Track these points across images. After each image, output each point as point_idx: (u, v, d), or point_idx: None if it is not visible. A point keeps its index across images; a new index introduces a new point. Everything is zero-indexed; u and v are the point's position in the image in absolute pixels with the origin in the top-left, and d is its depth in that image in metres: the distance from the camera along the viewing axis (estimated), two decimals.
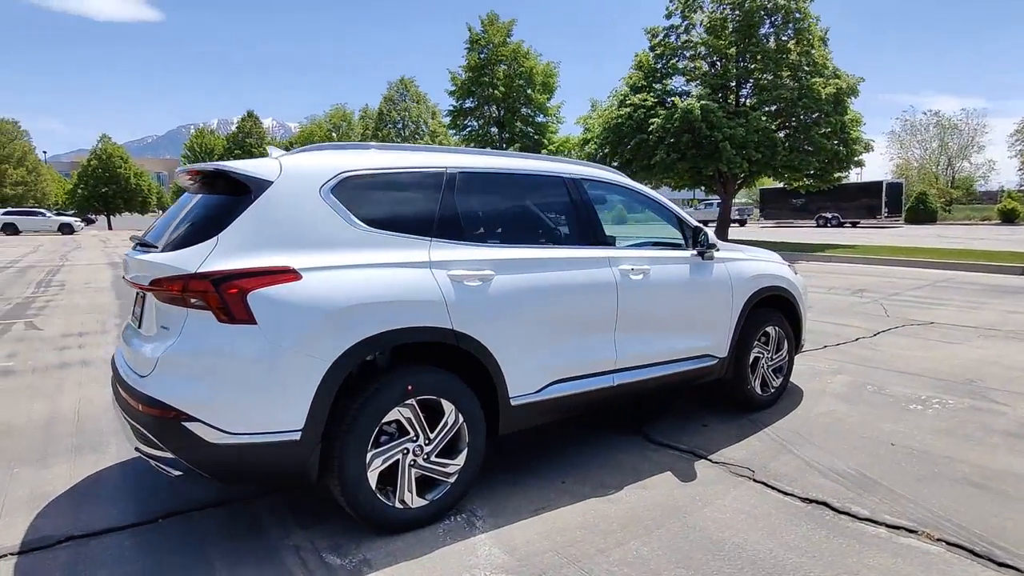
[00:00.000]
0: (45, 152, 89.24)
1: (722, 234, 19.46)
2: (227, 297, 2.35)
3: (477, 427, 2.93)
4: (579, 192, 3.52)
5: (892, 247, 16.39)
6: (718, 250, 4.09)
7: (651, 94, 17.12)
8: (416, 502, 2.76)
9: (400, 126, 35.90)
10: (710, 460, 3.57)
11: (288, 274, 2.45)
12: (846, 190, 35.64)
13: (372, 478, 2.62)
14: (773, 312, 4.46)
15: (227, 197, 2.62)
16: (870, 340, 6.45)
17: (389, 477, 2.71)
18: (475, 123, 28.59)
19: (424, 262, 2.78)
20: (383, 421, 2.64)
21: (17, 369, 5.61)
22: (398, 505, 2.71)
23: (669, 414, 4.37)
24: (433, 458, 2.81)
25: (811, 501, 3.07)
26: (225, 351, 2.36)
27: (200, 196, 2.81)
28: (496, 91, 26.55)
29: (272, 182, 2.59)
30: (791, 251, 16.43)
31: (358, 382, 2.65)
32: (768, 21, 17.11)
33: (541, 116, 27.92)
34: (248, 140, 56.01)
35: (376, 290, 2.61)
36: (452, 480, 2.87)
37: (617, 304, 3.43)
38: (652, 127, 16.03)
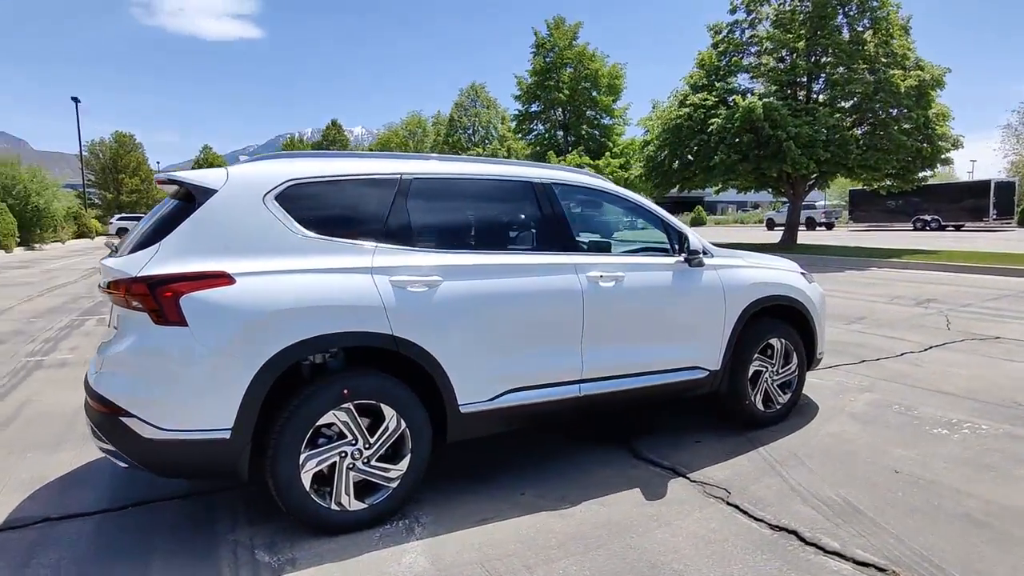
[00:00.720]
0: (159, 162, 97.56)
1: (790, 238, 18.40)
2: (161, 300, 2.48)
3: (421, 433, 2.92)
4: (547, 197, 3.44)
5: (981, 253, 14.89)
6: (712, 256, 3.89)
7: (712, 93, 16.43)
8: (354, 505, 2.79)
9: (470, 131, 36.53)
10: (688, 478, 3.39)
11: (222, 278, 2.55)
12: (948, 190, 32.79)
13: (306, 479, 2.67)
14: (778, 323, 4.18)
15: (179, 204, 2.76)
16: (917, 355, 5.90)
17: (328, 479, 2.76)
18: (541, 127, 28.61)
19: (366, 268, 2.81)
20: (318, 424, 2.69)
21: (72, 361, 6.16)
22: (334, 507, 2.75)
23: (664, 428, 4.18)
24: (373, 463, 2.83)
25: (780, 529, 2.85)
26: (159, 351, 2.49)
27: (164, 204, 2.98)
28: (561, 94, 26.44)
29: (216, 190, 2.70)
30: (863, 257, 15.32)
31: (300, 384, 2.73)
32: (841, 12, 16.00)
33: (607, 118, 27.54)
34: (332, 148, 58.86)
35: (311, 295, 2.67)
36: (394, 485, 2.88)
37: (583, 312, 3.32)
38: (712, 127, 15.39)
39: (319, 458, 2.70)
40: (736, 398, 3.98)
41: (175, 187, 2.88)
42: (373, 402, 2.80)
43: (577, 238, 3.56)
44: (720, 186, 17.11)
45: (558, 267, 3.30)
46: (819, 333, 4.37)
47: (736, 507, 3.06)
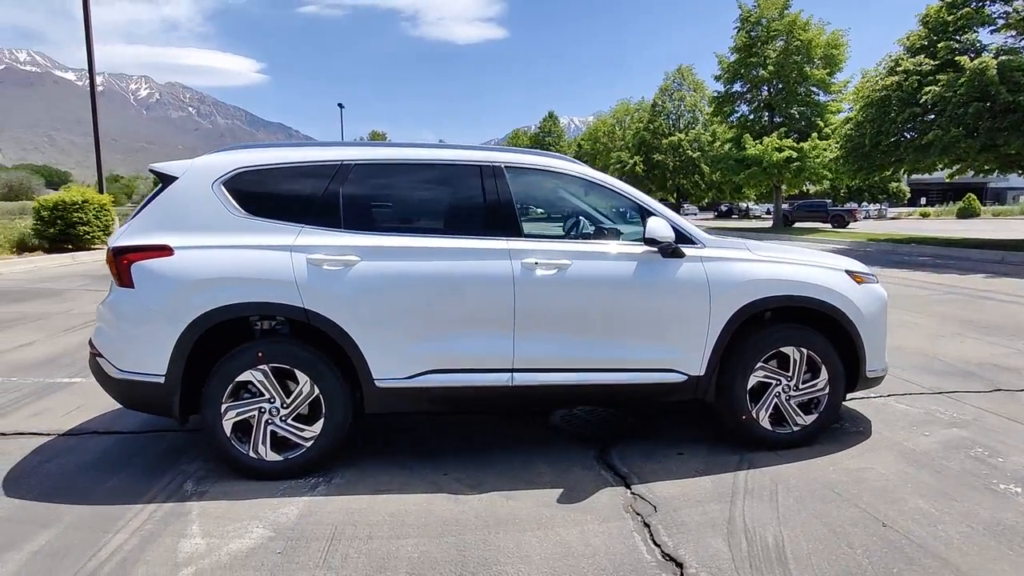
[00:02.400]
0: None
1: None
2: (120, 266, 3.08)
3: (336, 400, 3.15)
4: (494, 180, 3.36)
5: None
6: (699, 246, 3.41)
7: (933, 56, 13.26)
8: (270, 456, 3.13)
9: (674, 116, 34.90)
10: (630, 489, 3.09)
11: (163, 251, 3.07)
12: None
13: (227, 426, 3.09)
14: (798, 329, 3.50)
15: (157, 190, 3.36)
16: None
17: (250, 429, 3.14)
18: (745, 107, 26.14)
19: (287, 246, 3.11)
20: (237, 379, 3.07)
21: None
22: (252, 454, 3.12)
23: (657, 434, 3.81)
24: (289, 421, 3.14)
25: (669, 559, 2.49)
26: (118, 307, 3.09)
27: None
28: (764, 71, 23.75)
29: (178, 178, 3.24)
30: None
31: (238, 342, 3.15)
32: None
33: (823, 95, 24.03)
34: (548, 139, 61.26)
35: (231, 268, 3.05)
36: (308, 444, 3.15)
37: (514, 299, 3.21)
38: (927, 97, 12.48)
39: (238, 410, 3.09)
40: (730, 412, 3.45)
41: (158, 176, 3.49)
42: (287, 367, 3.11)
43: (528, 221, 3.43)
44: (943, 167, 13.85)
45: (488, 252, 3.23)
46: (868, 345, 3.54)
47: (647, 527, 2.73)
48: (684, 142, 32.40)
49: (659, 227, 3.23)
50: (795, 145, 22.58)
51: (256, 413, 3.12)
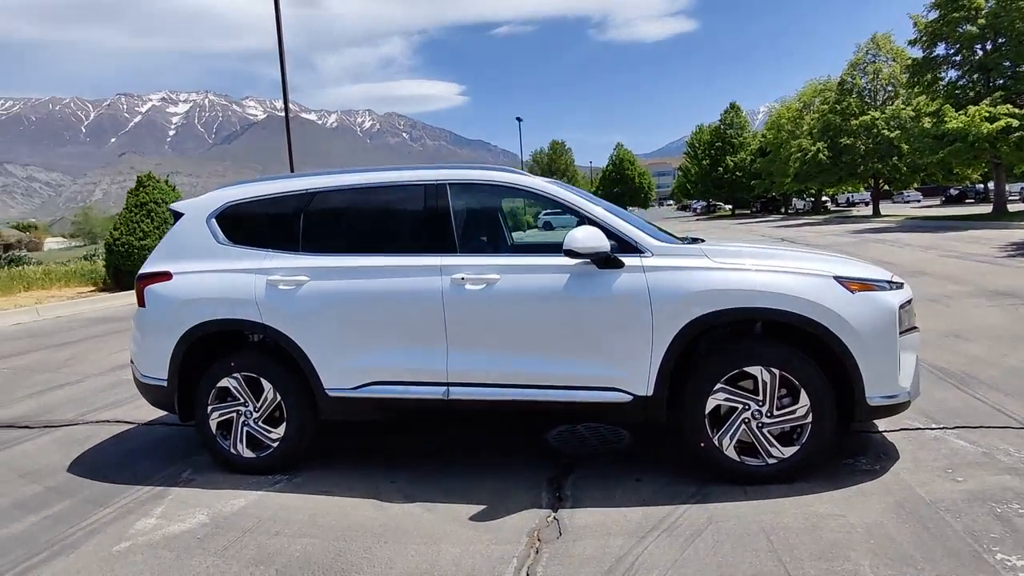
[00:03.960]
0: (591, 161, 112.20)
1: None
2: (138, 289, 3.76)
3: (296, 406, 3.49)
4: (435, 198, 3.44)
5: None
6: (645, 255, 3.14)
7: None
8: (246, 453, 3.57)
9: (867, 91, 30.19)
10: (554, 513, 2.96)
11: (165, 276, 3.67)
12: None
13: (213, 424, 3.59)
14: (766, 346, 3.04)
15: (173, 224, 4.00)
16: None
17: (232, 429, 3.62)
18: (953, 73, 21.69)
19: (253, 269, 3.53)
20: (218, 385, 3.57)
21: None
22: (232, 450, 3.60)
23: (634, 455, 3.56)
24: (260, 423, 3.56)
25: None
26: (137, 323, 3.77)
27: None
28: (974, 26, 19.42)
29: (184, 214, 3.85)
30: None
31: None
32: None
33: None
34: (729, 131, 57.43)
35: (209, 289, 3.55)
36: (275, 445, 3.54)
37: (444, 315, 3.26)
38: None
39: (221, 411, 3.59)
40: (689, 435, 3.11)
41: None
42: (254, 375, 3.53)
43: (470, 237, 3.44)
44: None
45: (420, 269, 3.32)
46: (867, 367, 2.93)
47: (537, 553, 2.62)
48: (879, 121, 27.95)
49: (582, 236, 3.03)
50: (1016, 112, 18.07)
51: (234, 415, 3.59)
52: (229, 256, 3.63)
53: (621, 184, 71.38)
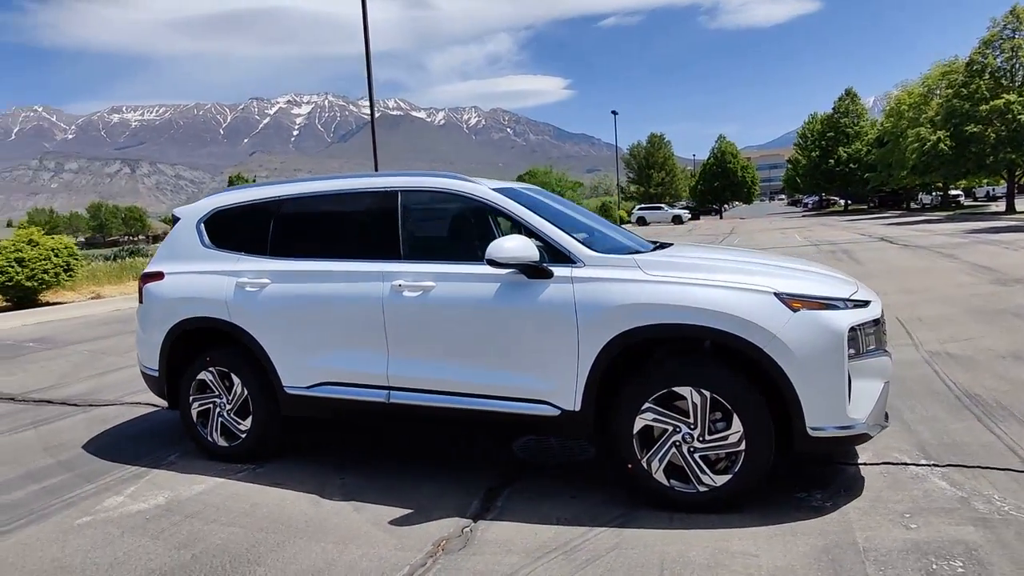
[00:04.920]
0: (695, 155, 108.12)
1: None
2: (139, 287, 4.14)
3: (259, 401, 3.70)
4: (385, 205, 3.50)
5: None
6: (579, 265, 3.03)
7: None
8: (220, 442, 3.84)
9: (1000, 73, 26.51)
10: (474, 523, 2.95)
11: (159, 276, 4.01)
12: None
13: (194, 414, 3.89)
14: (695, 365, 2.85)
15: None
16: None
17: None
18: None
19: (227, 271, 3.78)
20: (197, 378, 3.86)
21: None
22: (210, 439, 3.87)
23: (578, 471, 3.47)
24: (232, 415, 3.81)
25: None
26: (138, 318, 4.15)
27: None
28: None
29: (180, 218, 4.18)
30: None
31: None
32: None
33: None
34: (843, 120, 53.12)
35: (189, 289, 3.84)
36: (243, 436, 3.78)
37: (384, 320, 3.33)
38: None
39: (200, 401, 3.88)
40: (617, 457, 2.98)
41: None
42: (225, 370, 3.78)
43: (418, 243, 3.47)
44: None
45: (365, 274, 3.40)
46: (807, 393, 2.66)
47: (433, 561, 2.64)
48: (1016, 104, 24.56)
49: (504, 246, 2.96)
50: None
51: (211, 406, 3.87)
52: (210, 258, 3.90)
53: (722, 178, 68.10)
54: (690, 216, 54.72)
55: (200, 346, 3.92)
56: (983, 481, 2.94)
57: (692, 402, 2.81)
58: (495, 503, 3.16)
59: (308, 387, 3.56)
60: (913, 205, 48.72)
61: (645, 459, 2.91)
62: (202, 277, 3.85)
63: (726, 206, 73.60)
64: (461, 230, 3.66)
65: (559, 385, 3.02)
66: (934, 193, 45.80)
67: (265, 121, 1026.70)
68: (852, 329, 2.75)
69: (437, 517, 3.03)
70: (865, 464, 3.24)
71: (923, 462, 3.20)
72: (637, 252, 3.37)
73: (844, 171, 51.26)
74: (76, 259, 11.20)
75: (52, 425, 4.80)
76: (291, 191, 3.84)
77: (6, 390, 5.89)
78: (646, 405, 2.88)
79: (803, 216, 50.42)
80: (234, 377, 3.76)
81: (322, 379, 3.52)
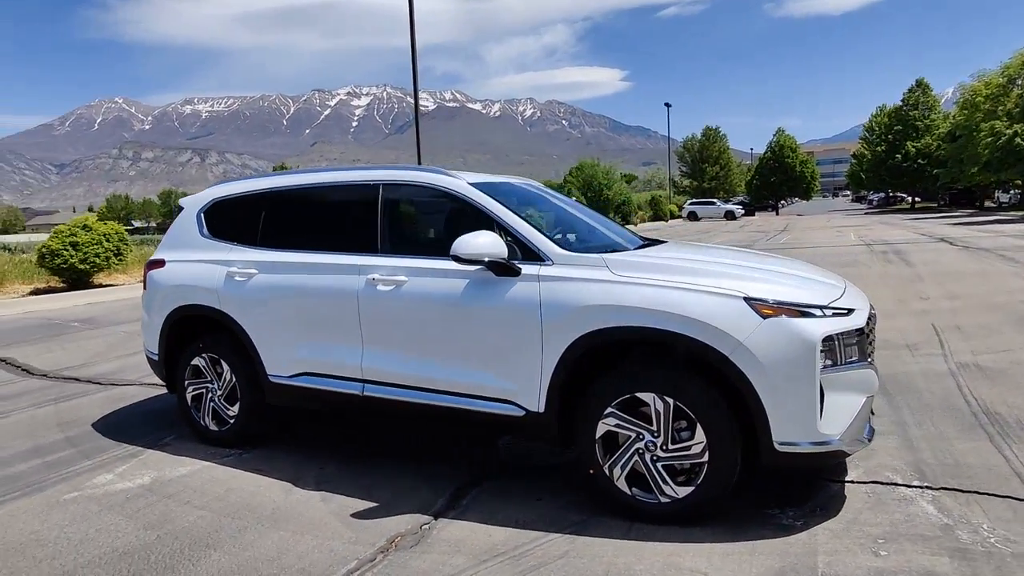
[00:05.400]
0: (752, 149, 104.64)
1: None
2: (144, 274, 4.29)
3: (248, 387, 3.79)
4: (366, 198, 3.50)
5: None
6: (547, 263, 2.95)
7: None
8: (212, 426, 3.95)
9: None
10: (435, 520, 2.95)
11: (160, 263, 4.15)
12: None
13: (188, 398, 4.02)
14: (659, 371, 2.73)
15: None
16: None
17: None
18: None
19: (220, 260, 3.87)
20: (191, 363, 3.98)
21: None
22: (202, 423, 3.99)
23: (556, 472, 3.39)
24: (222, 400, 3.91)
25: None
26: (143, 304, 4.31)
27: None
28: None
29: (184, 208, 4.30)
30: None
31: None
32: None
33: None
34: (912, 113, 50.21)
35: (186, 277, 3.96)
36: (232, 422, 3.88)
37: (359, 314, 3.33)
38: None
39: (194, 386, 4.00)
40: (583, 462, 2.90)
41: None
42: (216, 356, 3.88)
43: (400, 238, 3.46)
44: None
45: (343, 267, 3.42)
46: (774, 404, 2.51)
47: (383, 556, 2.64)
48: None
49: (470, 242, 2.90)
50: None
51: (204, 391, 3.98)
52: (206, 248, 4.01)
53: (779, 173, 65.63)
54: (743, 212, 52.98)
55: (195, 333, 4.04)
56: (976, 508, 2.71)
57: (655, 409, 2.70)
58: (461, 501, 3.13)
59: (290, 376, 3.62)
60: (988, 204, 45.67)
61: (607, 465, 2.82)
62: (198, 266, 3.96)
63: (783, 202, 70.91)
64: (438, 225, 3.62)
65: (523, 385, 2.96)
66: (1012, 191, 42.78)
67: (326, 112, 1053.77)
68: (828, 339, 2.57)
69: (400, 512, 3.03)
70: (852, 482, 3.04)
71: (915, 483, 2.97)
72: (614, 251, 3.26)
73: (912, 167, 48.49)
74: (126, 244, 11.81)
75: (72, 402, 5.06)
76: (281, 183, 3.90)
77: (41, 367, 6.25)
78: (609, 410, 2.79)
79: (865, 214, 48.03)
80: (224, 364, 3.86)
81: (303, 369, 3.57)
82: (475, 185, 3.33)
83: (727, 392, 2.61)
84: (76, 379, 5.77)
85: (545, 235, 3.06)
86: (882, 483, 3.00)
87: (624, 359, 2.87)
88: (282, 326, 3.61)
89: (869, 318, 2.89)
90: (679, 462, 2.70)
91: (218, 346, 3.88)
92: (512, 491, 3.20)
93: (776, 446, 2.54)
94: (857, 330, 2.68)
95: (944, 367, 4.90)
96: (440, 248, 3.49)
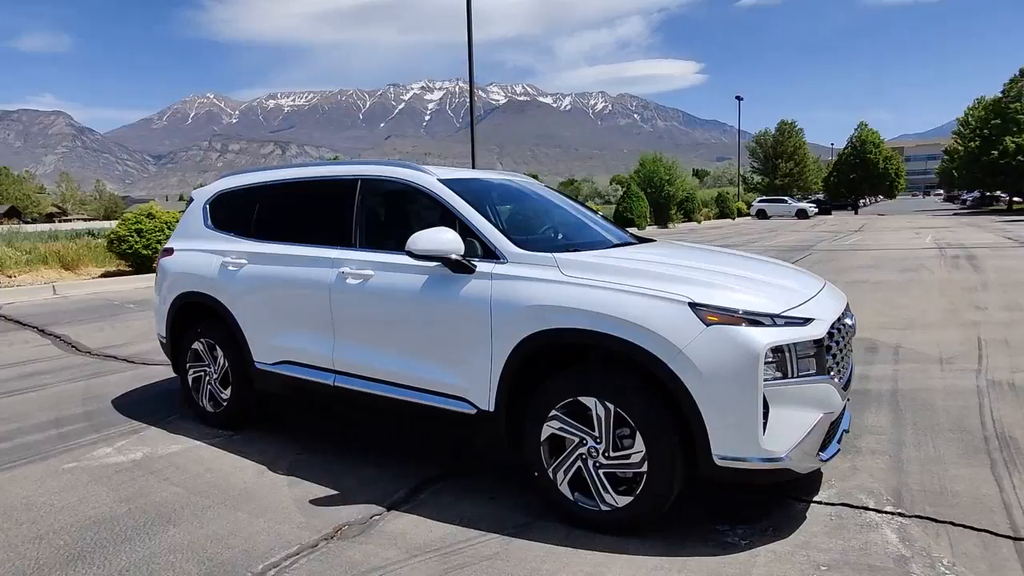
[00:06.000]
0: (833, 144, 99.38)
1: None
2: (156, 261, 4.56)
3: (236, 373, 3.97)
4: (344, 193, 3.57)
5: None
6: (501, 261, 2.93)
7: None
8: (208, 408, 4.16)
9: None
10: (386, 513, 3.00)
11: (170, 251, 4.40)
12: None
13: (189, 380, 4.25)
14: (600, 375, 2.66)
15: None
16: None
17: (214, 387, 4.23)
18: None
19: (217, 251, 4.06)
20: (192, 347, 4.21)
21: None
22: (201, 404, 4.20)
23: (519, 470, 3.38)
24: (217, 384, 4.11)
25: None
26: (155, 289, 4.59)
27: None
28: None
29: (194, 200, 4.53)
30: None
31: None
32: None
33: None
34: (1012, 106, 46.15)
35: (189, 265, 4.18)
36: (225, 405, 4.07)
37: (330, 306, 3.42)
38: None
39: (194, 369, 4.22)
40: (528, 464, 2.87)
41: None
42: (212, 341, 4.08)
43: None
44: None
45: (319, 260, 3.51)
46: (713, 416, 2.40)
47: (326, 544, 2.72)
48: None
49: (423, 238, 2.91)
50: None
51: (202, 374, 4.20)
52: (208, 238, 4.22)
53: (860, 169, 62.03)
54: (816, 210, 50.37)
55: (196, 318, 4.27)
56: (943, 540, 2.49)
57: (596, 415, 2.63)
58: (419, 495, 3.17)
59: (272, 364, 3.76)
60: None
61: (551, 469, 2.78)
62: (199, 255, 4.17)
63: (864, 200, 66.94)
64: (408, 220, 3.64)
65: (475, 384, 2.95)
66: None
67: (400, 106, 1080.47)
68: (778, 350, 2.42)
69: (356, 502, 3.10)
70: (820, 502, 2.86)
71: (888, 509, 2.76)
72: (575, 250, 3.19)
73: (1010, 164, 44.63)
74: None
75: (103, 378, 5.45)
76: (274, 177, 4.05)
77: (88, 345, 6.76)
78: (553, 413, 2.74)
79: (954, 215, 44.62)
80: (218, 349, 4.05)
81: (283, 357, 3.70)
82: (444, 181, 3.34)
83: (669, 401, 2.51)
84: (114, 357, 6.21)
85: (503, 233, 3.04)
86: (852, 506, 2.81)
87: (570, 362, 2.81)
88: (266, 315, 3.76)
89: (838, 328, 2.71)
90: (621, 470, 2.63)
91: (214, 332, 4.08)
92: (472, 488, 3.20)
93: (716, 460, 2.43)
94: (814, 341, 2.51)
95: (972, 384, 4.51)
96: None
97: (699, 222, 40.34)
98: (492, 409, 2.92)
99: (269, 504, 3.09)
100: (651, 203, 33.70)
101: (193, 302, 4.19)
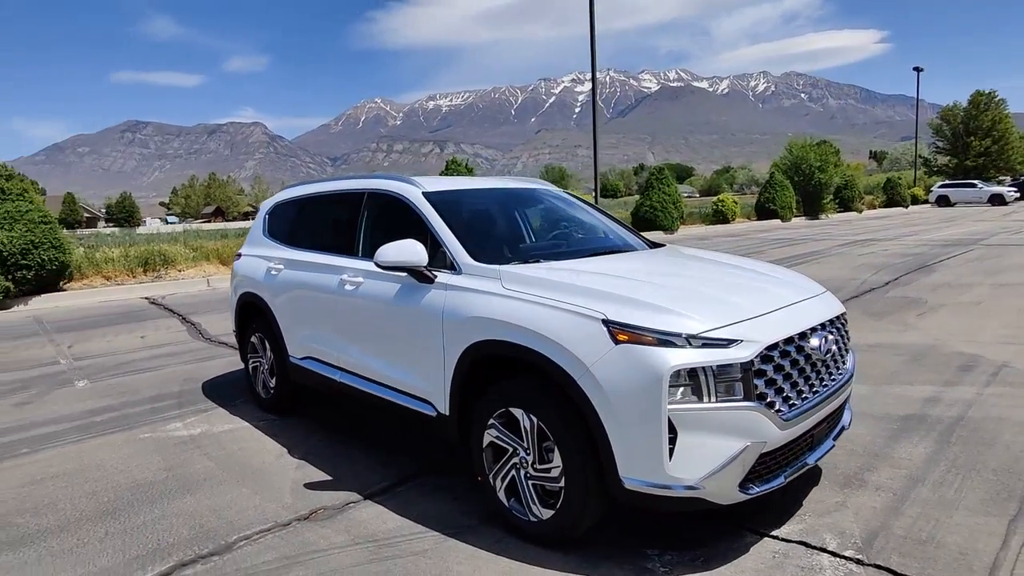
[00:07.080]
0: None
1: None
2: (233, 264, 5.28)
3: (277, 365, 4.51)
4: (354, 205, 3.91)
5: None
6: (457, 272, 3.08)
7: None
8: (262, 394, 4.76)
9: None
10: (350, 506, 3.29)
11: (239, 257, 5.07)
12: None
13: (249, 369, 4.89)
14: (526, 388, 2.69)
15: None
16: None
17: (265, 373, 4.84)
18: None
19: (267, 256, 4.62)
20: (250, 340, 4.84)
21: None
22: (255, 390, 4.83)
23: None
24: (266, 374, 4.70)
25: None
26: (230, 289, 5.30)
27: None
28: None
29: (259, 208, 5.16)
30: None
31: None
32: None
33: None
34: None
35: (248, 269, 4.80)
36: (272, 392, 4.64)
37: (335, 309, 3.78)
38: None
39: (252, 359, 4.86)
40: (475, 467, 2.99)
41: None
42: (262, 336, 4.66)
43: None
44: None
45: (330, 267, 3.88)
46: (619, 437, 2.35)
47: (296, 525, 3.08)
48: None
49: (389, 250, 3.12)
50: None
51: (258, 364, 4.82)
52: (263, 245, 4.82)
53: None
54: (1017, 195, 42.77)
55: (253, 315, 4.89)
56: None
57: (524, 426, 2.69)
58: (397, 489, 3.41)
59: (300, 359, 4.23)
60: None
61: (492, 474, 2.88)
62: (255, 260, 4.78)
63: None
64: (399, 230, 3.86)
65: (434, 388, 3.13)
66: None
67: (551, 100, 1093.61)
68: (692, 372, 2.30)
69: (342, 489, 3.42)
70: (775, 537, 2.65)
71: (847, 554, 2.48)
72: (555, 259, 3.24)
73: None
74: None
75: (209, 363, 6.39)
76: (309, 191, 4.54)
77: (211, 332, 7.90)
78: (491, 421, 2.84)
79: None
80: (267, 343, 4.63)
81: (307, 353, 4.15)
82: (426, 194, 3.53)
83: (582, 418, 2.49)
84: (225, 344, 7.22)
85: (462, 245, 3.16)
86: (808, 545, 2.56)
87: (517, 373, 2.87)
88: (296, 314, 4.23)
89: (796, 348, 2.49)
90: (547, 483, 2.66)
91: (263, 327, 4.66)
92: (443, 487, 3.38)
93: (624, 482, 2.38)
94: (741, 364, 2.34)
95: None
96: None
97: (859, 211, 36.15)
98: (447, 413, 3.07)
99: (271, 484, 3.51)
100: (800, 192, 30.97)
101: (249, 301, 4.81)
